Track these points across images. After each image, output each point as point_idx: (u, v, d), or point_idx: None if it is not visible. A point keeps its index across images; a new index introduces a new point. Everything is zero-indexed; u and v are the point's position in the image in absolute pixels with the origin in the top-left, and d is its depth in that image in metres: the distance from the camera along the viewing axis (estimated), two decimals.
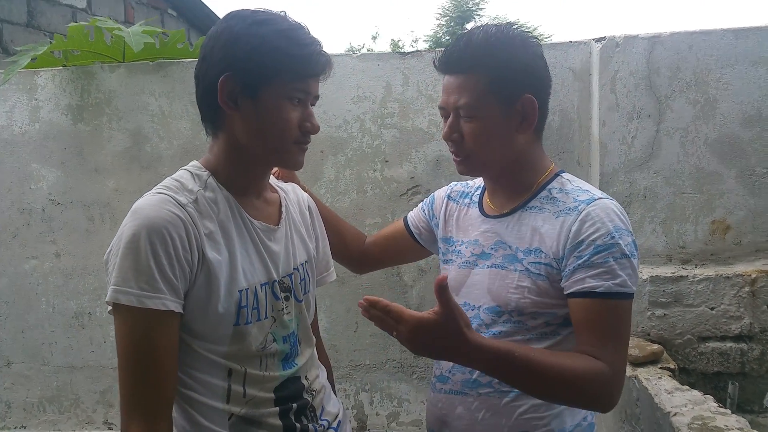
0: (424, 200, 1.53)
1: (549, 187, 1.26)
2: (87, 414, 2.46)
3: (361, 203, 2.30)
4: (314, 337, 1.31)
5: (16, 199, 2.42)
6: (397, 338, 1.06)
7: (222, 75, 1.07)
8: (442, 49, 1.30)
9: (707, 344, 2.05)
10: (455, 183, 1.49)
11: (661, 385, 1.72)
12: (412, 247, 1.53)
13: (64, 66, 2.38)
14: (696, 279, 2.03)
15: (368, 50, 17.58)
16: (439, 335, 1.03)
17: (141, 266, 0.99)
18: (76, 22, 2.37)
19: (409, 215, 1.55)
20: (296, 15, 1.13)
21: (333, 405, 1.30)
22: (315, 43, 1.11)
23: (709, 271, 2.05)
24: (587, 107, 2.21)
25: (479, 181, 1.42)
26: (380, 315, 1.05)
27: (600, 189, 1.46)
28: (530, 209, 1.25)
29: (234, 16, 1.11)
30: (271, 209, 1.23)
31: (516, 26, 1.24)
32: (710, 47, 2.08)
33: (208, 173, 1.14)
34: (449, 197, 1.45)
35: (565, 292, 1.16)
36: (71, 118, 2.37)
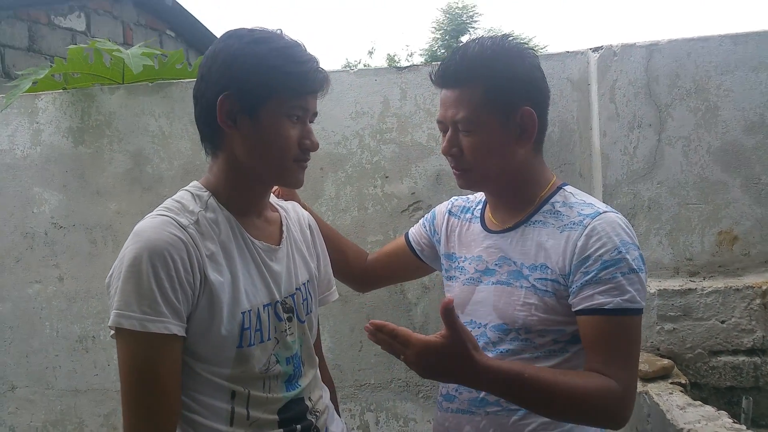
0: (425, 216, 1.52)
1: (552, 200, 1.24)
2: None
3: (363, 220, 2.29)
4: (317, 357, 1.30)
5: (18, 224, 2.41)
6: (405, 362, 1.05)
7: (220, 94, 1.07)
8: (439, 63, 1.29)
9: (719, 358, 2.01)
10: (456, 198, 1.48)
11: (672, 401, 1.69)
12: (414, 263, 1.52)
13: (65, 89, 2.39)
14: (705, 292, 2.00)
15: (365, 65, 17.71)
16: (447, 358, 1.02)
17: (143, 290, 0.99)
18: (76, 45, 2.38)
19: (410, 231, 1.54)
20: (292, 33, 1.14)
21: (336, 425, 1.30)
22: (312, 60, 1.12)
23: (718, 284, 2.02)
24: (587, 118, 2.20)
25: (480, 196, 1.41)
26: (387, 339, 1.05)
27: (603, 201, 1.45)
28: (534, 224, 1.24)
29: (231, 36, 1.11)
30: (272, 229, 1.22)
31: (512, 38, 1.24)
32: (709, 54, 2.07)
33: (209, 193, 1.13)
34: (450, 212, 1.44)
35: (573, 309, 1.15)
36: (72, 141, 2.37)
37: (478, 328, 1.25)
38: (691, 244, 2.10)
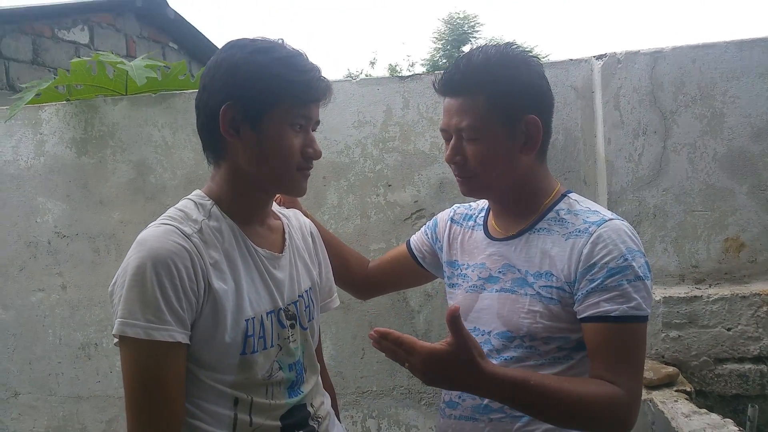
0: (427, 223, 1.52)
1: (556, 208, 1.24)
2: None
3: (365, 228, 2.29)
4: (318, 364, 1.30)
5: (22, 233, 2.42)
6: (409, 369, 1.05)
7: (223, 104, 1.07)
8: (442, 71, 1.29)
9: (725, 366, 1.99)
10: (458, 205, 1.47)
11: (677, 409, 1.67)
12: (415, 271, 1.51)
13: (68, 100, 2.40)
14: (711, 299, 1.98)
15: (366, 75, 17.74)
16: (453, 366, 1.02)
17: (147, 298, 0.99)
18: (80, 58, 2.39)
19: (411, 239, 1.54)
20: (294, 43, 1.14)
21: (338, 431, 1.30)
22: (314, 69, 1.12)
23: (724, 291, 2.00)
24: (591, 125, 2.20)
25: (483, 203, 1.41)
26: (392, 347, 1.04)
27: (608, 208, 1.44)
28: (538, 231, 1.23)
29: (233, 45, 1.12)
30: (274, 236, 1.23)
31: (516, 46, 1.24)
32: (714, 60, 2.06)
33: (212, 202, 1.13)
34: (452, 220, 1.43)
35: (578, 317, 1.14)
36: (76, 151, 2.38)
37: (482, 335, 1.24)
38: (697, 251, 2.09)
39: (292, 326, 1.18)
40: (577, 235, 1.17)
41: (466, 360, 1.01)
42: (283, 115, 1.09)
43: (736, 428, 1.53)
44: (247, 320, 1.08)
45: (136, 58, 2.82)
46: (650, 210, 2.10)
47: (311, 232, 1.35)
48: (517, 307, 1.20)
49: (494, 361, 1.18)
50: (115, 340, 1.02)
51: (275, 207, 1.30)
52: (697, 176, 2.08)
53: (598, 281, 1.11)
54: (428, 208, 2.26)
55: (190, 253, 1.02)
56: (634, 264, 1.11)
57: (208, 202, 1.13)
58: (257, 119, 1.08)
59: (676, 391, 1.83)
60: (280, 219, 1.28)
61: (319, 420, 1.22)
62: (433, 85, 1.27)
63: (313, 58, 1.14)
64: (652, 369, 1.89)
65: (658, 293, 2.01)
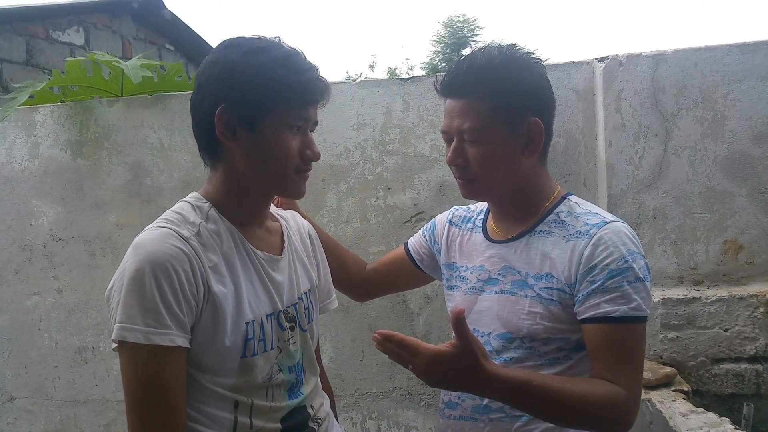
0: (425, 226, 1.51)
1: (557, 210, 1.24)
2: None
3: (365, 231, 2.28)
4: (318, 366, 1.30)
5: (17, 236, 2.41)
6: (413, 371, 1.04)
7: (218, 106, 1.05)
8: (443, 73, 1.28)
9: (721, 366, 2.01)
10: (456, 208, 1.47)
11: (675, 408, 1.69)
12: (413, 273, 1.51)
13: (63, 102, 2.38)
14: (709, 300, 2.00)
15: (366, 78, 17.70)
16: (457, 367, 1.01)
17: (146, 302, 0.97)
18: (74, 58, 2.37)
19: (409, 241, 1.53)
20: (292, 43, 1.11)
21: None
22: (313, 69, 1.10)
23: (722, 292, 2.01)
24: (592, 128, 2.19)
25: (481, 206, 1.40)
26: (395, 349, 1.04)
27: (608, 211, 1.44)
28: (538, 233, 1.23)
29: (229, 45, 1.10)
30: (273, 239, 1.22)
31: (519, 48, 1.23)
32: (716, 63, 2.06)
33: (209, 204, 1.12)
34: (451, 222, 1.43)
35: (579, 318, 1.15)
36: (71, 154, 2.36)
37: (482, 336, 1.24)
38: (696, 253, 2.09)
39: (292, 328, 1.17)
40: (577, 237, 1.17)
41: (471, 362, 1.01)
42: (280, 117, 1.07)
43: (732, 426, 1.55)
44: (247, 323, 1.07)
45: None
46: (650, 212, 2.10)
47: (309, 234, 1.34)
48: (517, 309, 1.20)
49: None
50: (114, 344, 1.00)
51: (273, 209, 1.29)
52: (698, 179, 2.08)
53: (599, 282, 1.12)
54: (428, 211, 2.25)
55: (188, 257, 1.01)
56: (634, 265, 1.12)
57: (206, 205, 1.11)
58: (254, 122, 1.06)
59: (673, 390, 1.85)
60: (278, 221, 1.26)
61: (319, 421, 1.22)
62: (435, 86, 1.26)
63: (311, 58, 1.12)
64: (650, 369, 1.91)
65: (657, 295, 2.02)
